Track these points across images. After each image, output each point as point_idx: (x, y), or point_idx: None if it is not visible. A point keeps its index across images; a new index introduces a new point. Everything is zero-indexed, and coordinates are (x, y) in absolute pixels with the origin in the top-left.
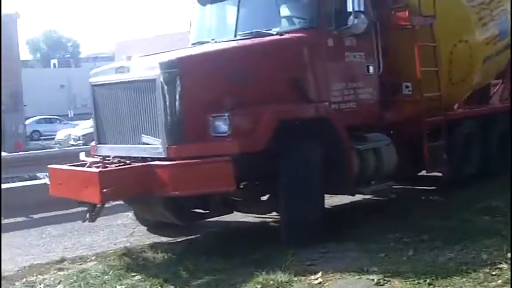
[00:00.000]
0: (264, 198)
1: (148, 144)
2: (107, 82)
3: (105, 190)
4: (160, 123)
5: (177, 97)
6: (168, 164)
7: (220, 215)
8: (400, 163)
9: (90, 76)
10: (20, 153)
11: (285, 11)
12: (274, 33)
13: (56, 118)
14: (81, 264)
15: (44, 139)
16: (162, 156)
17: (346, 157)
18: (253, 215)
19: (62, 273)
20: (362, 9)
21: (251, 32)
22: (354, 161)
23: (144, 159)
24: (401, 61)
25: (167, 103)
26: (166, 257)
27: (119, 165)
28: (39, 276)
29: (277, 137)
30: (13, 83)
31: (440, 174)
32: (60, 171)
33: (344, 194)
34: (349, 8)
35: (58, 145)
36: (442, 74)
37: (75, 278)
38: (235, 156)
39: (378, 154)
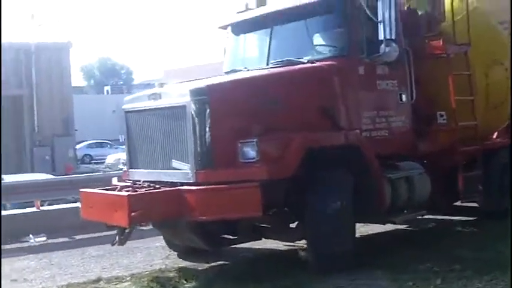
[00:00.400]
0: (293, 225)
1: (178, 169)
2: (140, 109)
3: (133, 214)
4: (190, 149)
5: (206, 123)
6: (196, 189)
7: (248, 241)
8: (433, 193)
9: (124, 103)
10: (65, 176)
11: (316, 39)
12: (305, 61)
13: (107, 142)
14: (116, 284)
15: (95, 163)
16: (191, 181)
17: (377, 186)
18: (283, 242)
19: None
20: (393, 37)
21: (282, 61)
22: (385, 190)
23: (173, 184)
24: (435, 90)
25: (196, 129)
26: (197, 281)
27: (148, 190)
28: None
29: (306, 165)
30: (64, 108)
31: (476, 204)
32: (91, 194)
33: (375, 223)
34: (381, 36)
35: (108, 169)
36: (479, 100)
37: None
38: (263, 182)
39: (411, 183)
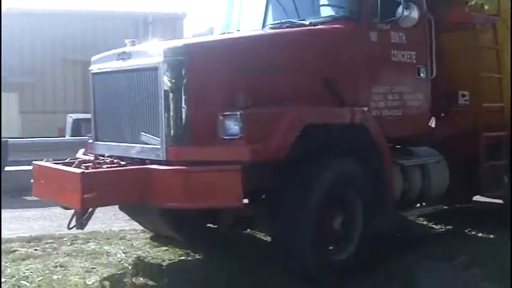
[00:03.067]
0: None
1: (148, 144)
2: (106, 70)
3: (86, 196)
4: (161, 120)
5: (182, 90)
6: (164, 169)
7: (230, 232)
8: (451, 184)
9: (92, 63)
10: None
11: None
12: (307, 23)
13: None
14: None
15: None
16: (161, 159)
17: (387, 173)
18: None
19: None
20: None
21: (281, 22)
22: (395, 179)
23: (142, 161)
24: (457, 65)
25: (170, 96)
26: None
27: (110, 167)
28: None
29: (301, 145)
30: None
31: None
32: (44, 168)
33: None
34: None
35: None
36: (507, 80)
37: None
38: (247, 164)
39: (426, 172)
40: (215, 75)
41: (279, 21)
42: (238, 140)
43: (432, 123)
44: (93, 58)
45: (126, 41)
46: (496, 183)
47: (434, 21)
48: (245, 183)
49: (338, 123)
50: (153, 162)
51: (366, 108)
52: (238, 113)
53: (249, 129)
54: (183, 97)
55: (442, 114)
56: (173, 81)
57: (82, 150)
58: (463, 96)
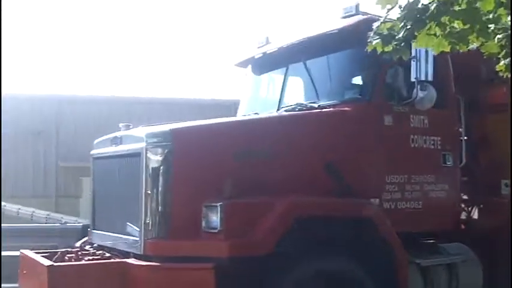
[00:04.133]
0: None
1: (132, 236)
2: (102, 155)
3: None
4: (141, 209)
5: (165, 177)
6: (138, 265)
7: None
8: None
9: (93, 147)
10: None
11: (334, 80)
12: (316, 106)
13: None
14: None
15: None
16: (139, 253)
17: (399, 274)
18: None
19: None
20: (430, 78)
21: (293, 105)
22: (413, 280)
23: (128, 253)
24: (499, 152)
25: (150, 184)
26: None
27: (89, 259)
28: None
29: (292, 241)
30: None
31: None
32: (27, 257)
33: None
34: (413, 77)
35: None
36: None
37: None
38: (225, 261)
39: (454, 272)
40: (199, 162)
41: (291, 104)
42: (217, 233)
43: (473, 214)
44: (95, 141)
45: (121, 125)
46: None
47: (468, 102)
48: (223, 280)
49: (338, 217)
50: (135, 255)
51: (376, 200)
52: (218, 204)
53: (229, 222)
54: (164, 185)
55: (481, 206)
56: (154, 167)
57: (85, 238)
58: (507, 185)
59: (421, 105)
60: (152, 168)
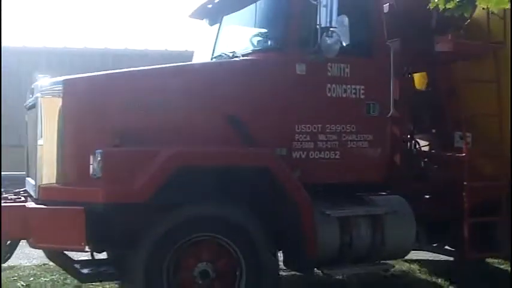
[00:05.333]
0: None
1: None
2: (25, 105)
3: None
4: (38, 157)
5: (57, 126)
6: (28, 208)
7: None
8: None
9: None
10: None
11: (252, 30)
12: (231, 55)
13: None
14: None
15: None
16: (36, 198)
17: (302, 224)
18: None
19: None
20: (334, 24)
21: (219, 55)
22: (324, 231)
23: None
24: (450, 102)
25: (45, 133)
26: None
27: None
28: None
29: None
30: None
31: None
32: None
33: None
34: (320, 22)
35: None
36: (506, 122)
37: None
38: (99, 206)
39: (378, 224)
40: (89, 111)
41: (219, 54)
42: (97, 180)
43: (425, 167)
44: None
45: (38, 75)
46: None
47: (394, 52)
48: (95, 224)
49: (225, 166)
50: (33, 200)
51: (283, 149)
52: (98, 151)
53: (108, 169)
54: (56, 134)
55: (426, 160)
56: (48, 117)
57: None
58: (461, 138)
59: (328, 53)
60: (46, 117)
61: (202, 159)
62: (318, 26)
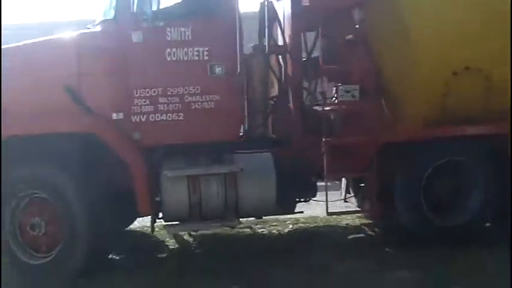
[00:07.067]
0: None
1: None
2: None
3: None
4: None
5: None
6: None
7: None
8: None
9: None
10: None
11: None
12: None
13: None
14: None
15: None
16: None
17: (135, 186)
18: None
19: None
20: None
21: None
22: (167, 191)
23: None
24: None
25: None
26: None
27: None
28: None
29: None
30: None
31: None
32: None
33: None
34: None
35: None
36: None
37: None
38: None
39: (231, 183)
40: None
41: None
42: None
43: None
44: None
45: None
46: None
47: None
48: None
49: (50, 133)
50: None
51: (120, 114)
52: None
53: None
54: None
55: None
56: None
57: None
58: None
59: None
60: None
61: (27, 128)
62: None
